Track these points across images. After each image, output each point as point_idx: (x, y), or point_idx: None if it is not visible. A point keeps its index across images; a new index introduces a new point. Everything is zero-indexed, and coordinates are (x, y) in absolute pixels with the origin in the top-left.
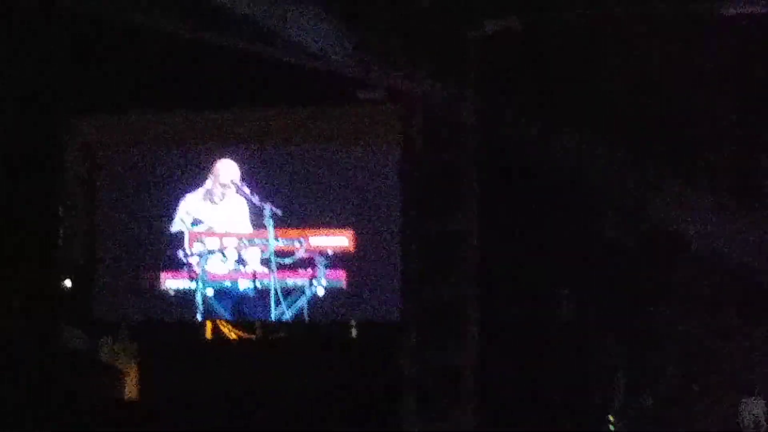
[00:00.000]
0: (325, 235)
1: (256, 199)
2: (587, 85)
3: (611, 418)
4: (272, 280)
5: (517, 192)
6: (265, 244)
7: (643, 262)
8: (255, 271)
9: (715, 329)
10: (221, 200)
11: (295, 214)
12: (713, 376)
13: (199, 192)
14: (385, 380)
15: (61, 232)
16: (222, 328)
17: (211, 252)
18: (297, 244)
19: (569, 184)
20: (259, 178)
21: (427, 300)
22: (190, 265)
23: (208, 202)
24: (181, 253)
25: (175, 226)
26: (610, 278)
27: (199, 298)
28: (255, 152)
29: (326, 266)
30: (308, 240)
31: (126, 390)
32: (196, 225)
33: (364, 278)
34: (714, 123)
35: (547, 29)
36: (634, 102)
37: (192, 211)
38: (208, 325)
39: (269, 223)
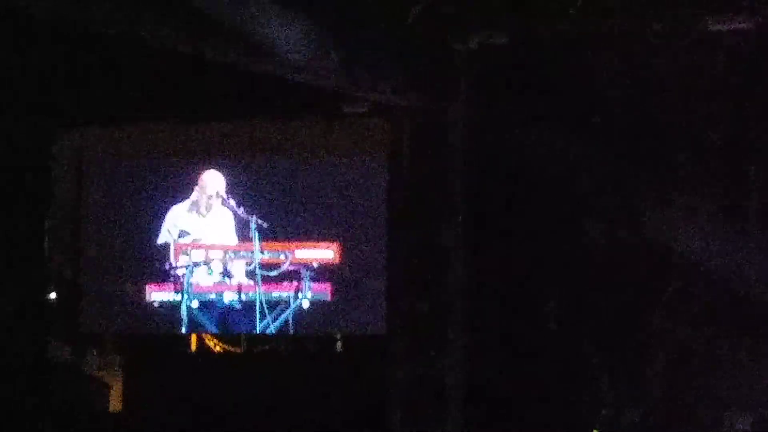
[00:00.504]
0: (311, 248)
1: (241, 212)
2: (574, 97)
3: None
4: (257, 292)
5: (504, 204)
6: (250, 257)
7: (632, 274)
8: (240, 284)
9: (702, 341)
10: (208, 212)
11: (281, 227)
12: (700, 389)
13: (186, 203)
14: (370, 392)
15: (48, 244)
16: (207, 341)
17: (196, 264)
18: (282, 257)
19: (557, 196)
20: (244, 191)
21: (412, 313)
22: (175, 278)
23: (195, 213)
24: (166, 266)
25: (162, 238)
26: (597, 290)
27: (184, 311)
28: (241, 165)
29: (311, 279)
30: (294, 253)
31: (111, 402)
32: (183, 237)
33: (350, 291)
34: (703, 134)
35: (533, 43)
36: (621, 115)
37: (179, 223)
38: (193, 337)
39: (255, 235)
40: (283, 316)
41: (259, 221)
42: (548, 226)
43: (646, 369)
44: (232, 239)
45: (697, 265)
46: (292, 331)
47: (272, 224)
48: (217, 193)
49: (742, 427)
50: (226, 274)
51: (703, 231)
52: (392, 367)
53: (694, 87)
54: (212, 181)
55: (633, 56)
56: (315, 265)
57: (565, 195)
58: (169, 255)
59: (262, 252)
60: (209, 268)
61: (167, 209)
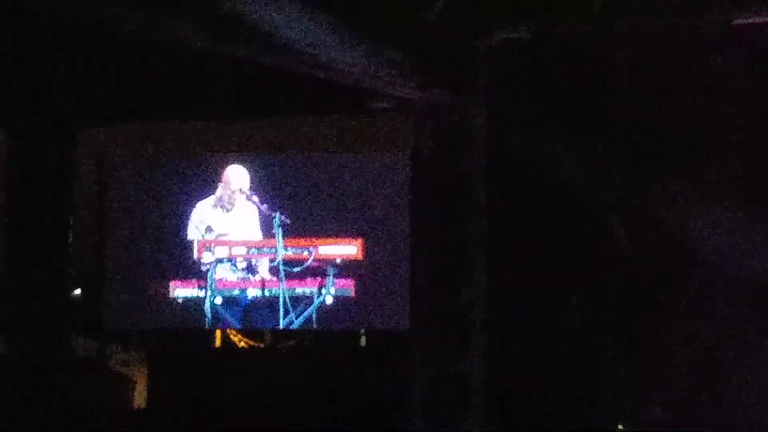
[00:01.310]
0: (334, 244)
1: (265, 208)
2: (596, 94)
3: (621, 427)
4: (281, 288)
5: (527, 200)
6: (274, 253)
7: (654, 271)
8: (264, 280)
9: (725, 339)
10: (232, 207)
11: (305, 223)
12: (723, 386)
13: (211, 199)
14: (393, 388)
15: (71, 241)
16: (231, 336)
17: (220, 261)
18: (306, 253)
19: (579, 192)
20: (268, 187)
21: (435, 308)
22: (199, 274)
23: (220, 209)
24: (190, 262)
25: (190, 234)
26: (619, 286)
27: (208, 307)
28: (264, 161)
29: (335, 275)
30: (317, 249)
31: (135, 398)
32: (208, 233)
33: (373, 287)
34: (725, 132)
35: (555, 40)
36: (644, 112)
37: (204, 219)
38: (218, 333)
39: (278, 231)
40: (306, 312)
41: (283, 217)
42: (571, 222)
43: (670, 366)
44: (257, 235)
45: (721, 264)
46: (315, 327)
47: (296, 220)
48: (241, 189)
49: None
50: (250, 270)
51: (727, 229)
52: (415, 363)
53: (717, 84)
54: (236, 176)
55: (656, 53)
56: (338, 261)
57: (588, 191)
58: (192, 251)
59: (286, 248)
60: (233, 264)
61: (191, 205)
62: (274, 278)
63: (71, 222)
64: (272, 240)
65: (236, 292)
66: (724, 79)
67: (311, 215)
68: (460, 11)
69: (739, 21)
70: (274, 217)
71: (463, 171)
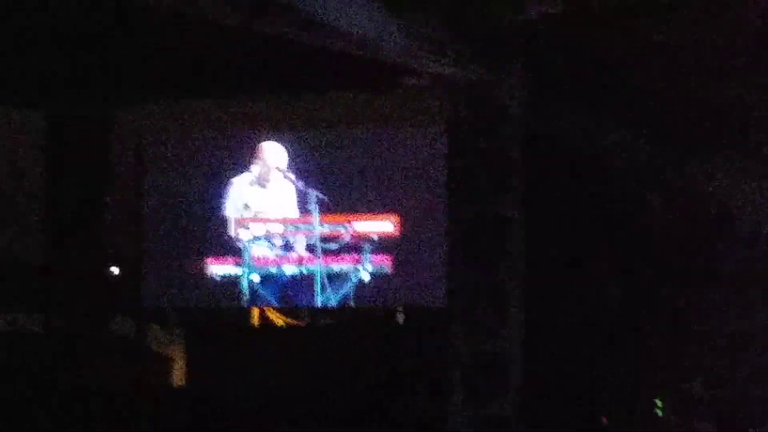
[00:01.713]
0: (371, 220)
1: (301, 185)
2: (631, 68)
3: (658, 403)
4: (318, 265)
5: (563, 176)
6: (310, 230)
7: (692, 248)
8: (301, 257)
9: (763, 318)
10: (269, 184)
11: (341, 200)
12: (760, 359)
13: (247, 176)
14: (432, 365)
15: (108, 220)
16: (269, 314)
17: (257, 238)
18: (342, 230)
19: (616, 168)
20: (304, 164)
21: (472, 285)
22: (236, 251)
23: (257, 186)
24: (226, 239)
25: (227, 211)
26: (657, 264)
27: (245, 284)
28: (300, 138)
29: (371, 251)
30: (353, 225)
31: (174, 376)
32: (246, 209)
33: (410, 263)
34: (764, 109)
35: (591, 12)
36: (680, 86)
37: (242, 196)
38: (255, 311)
39: (314, 208)
40: (344, 289)
41: (319, 194)
42: (608, 197)
43: (708, 341)
44: (294, 212)
45: (761, 243)
46: (353, 304)
47: (332, 197)
48: (278, 167)
49: None
50: (287, 247)
51: (765, 203)
52: (453, 339)
53: (757, 60)
54: (272, 153)
55: (691, 24)
56: (375, 237)
57: (626, 166)
58: (229, 229)
59: (322, 225)
60: (269, 242)
61: (227, 183)
62: (311, 255)
63: (109, 201)
64: (308, 217)
65: (273, 269)
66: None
67: (347, 192)
68: None
69: None
70: (310, 194)
71: (499, 146)
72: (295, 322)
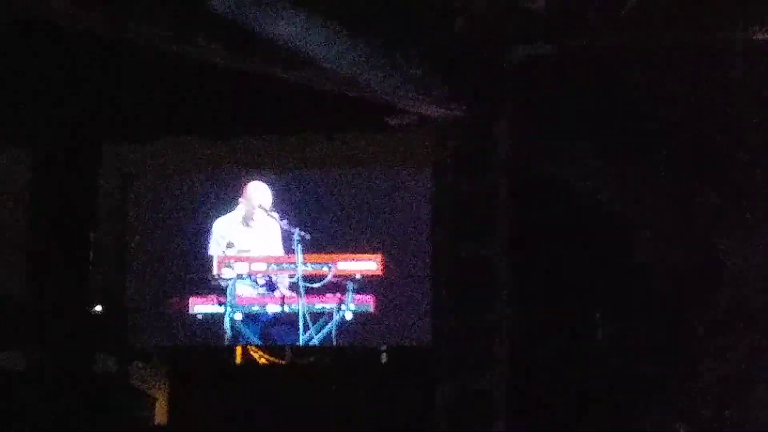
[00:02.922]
0: (354, 260)
1: (284, 224)
2: (622, 109)
3: None
4: (300, 304)
5: (550, 216)
6: (293, 269)
7: (681, 285)
8: (284, 296)
9: (752, 357)
10: (253, 223)
11: (324, 239)
12: (748, 403)
13: (231, 215)
14: (416, 405)
15: (92, 257)
16: (252, 352)
17: (240, 276)
18: (325, 269)
19: (603, 208)
20: (288, 203)
21: (457, 325)
22: (218, 290)
23: (241, 225)
24: (210, 278)
25: (211, 250)
26: (645, 302)
27: (227, 323)
28: (284, 177)
29: (355, 291)
30: (337, 265)
31: (156, 414)
32: (230, 248)
33: (394, 303)
34: (752, 146)
35: (580, 54)
36: (669, 127)
37: (226, 235)
38: (238, 349)
39: (298, 247)
40: (326, 328)
41: (302, 233)
42: (595, 239)
43: (695, 382)
44: (278, 250)
45: (749, 280)
46: (335, 343)
47: (315, 236)
48: (261, 205)
49: None
50: (270, 286)
51: (755, 246)
52: (438, 380)
53: (747, 100)
54: (257, 192)
55: (684, 68)
56: (358, 276)
57: (614, 205)
58: (212, 267)
59: (305, 264)
60: (252, 280)
61: (211, 222)
62: (294, 294)
63: (92, 239)
64: (292, 256)
65: (256, 308)
66: (752, 93)
67: (331, 231)
68: (483, 26)
69: (761, 36)
70: (294, 233)
71: (486, 187)
72: (277, 360)
